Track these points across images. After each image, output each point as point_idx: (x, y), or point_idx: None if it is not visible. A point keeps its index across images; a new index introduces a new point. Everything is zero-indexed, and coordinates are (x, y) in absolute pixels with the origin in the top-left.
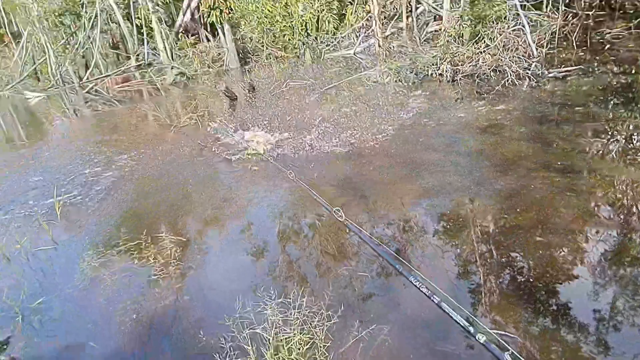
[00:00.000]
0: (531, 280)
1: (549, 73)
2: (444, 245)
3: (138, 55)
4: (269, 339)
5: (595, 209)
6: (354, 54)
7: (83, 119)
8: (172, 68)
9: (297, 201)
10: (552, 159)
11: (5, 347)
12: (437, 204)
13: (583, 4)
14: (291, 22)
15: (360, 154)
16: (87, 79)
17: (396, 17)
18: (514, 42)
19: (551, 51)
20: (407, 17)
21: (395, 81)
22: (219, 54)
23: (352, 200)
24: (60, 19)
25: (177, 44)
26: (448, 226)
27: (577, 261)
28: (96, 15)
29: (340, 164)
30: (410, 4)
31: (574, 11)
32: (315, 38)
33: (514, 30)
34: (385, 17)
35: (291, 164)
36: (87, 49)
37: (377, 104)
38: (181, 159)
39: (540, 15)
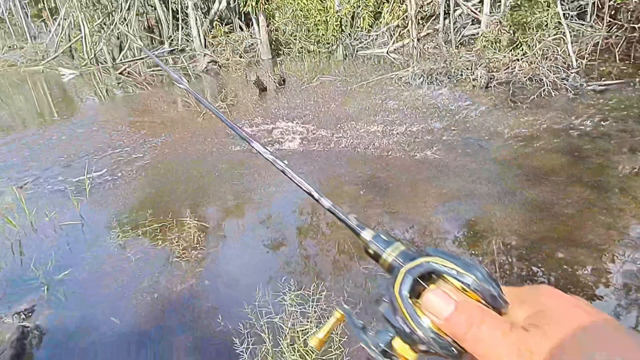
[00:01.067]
0: None
1: (588, 85)
2: (463, 252)
3: (172, 40)
4: (285, 329)
5: (625, 228)
6: (387, 52)
7: (114, 99)
8: (204, 55)
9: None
10: (585, 174)
11: (30, 314)
12: (462, 209)
13: (629, 16)
14: (326, 16)
15: (385, 155)
16: (121, 60)
17: (433, 18)
18: (554, 51)
19: (592, 63)
20: (444, 19)
21: (428, 83)
22: (252, 44)
23: (374, 199)
24: None
25: (211, 31)
26: (470, 233)
27: (601, 282)
28: None
29: (364, 164)
30: (448, 6)
31: (619, 23)
32: (349, 34)
33: (554, 39)
34: (421, 18)
35: (318, 158)
36: (121, 30)
37: (407, 106)
38: (209, 146)
39: (583, 25)
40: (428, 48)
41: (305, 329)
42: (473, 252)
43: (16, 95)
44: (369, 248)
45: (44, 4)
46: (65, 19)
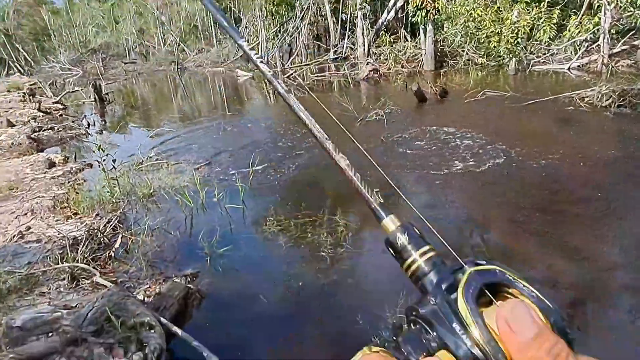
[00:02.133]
0: None
1: None
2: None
3: (337, 48)
4: None
5: None
6: (569, 69)
7: (279, 100)
8: (367, 64)
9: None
10: None
11: (194, 279)
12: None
13: None
14: (501, 27)
15: (541, 183)
16: (289, 65)
17: (632, 32)
18: None
19: None
20: None
21: (617, 106)
22: (415, 54)
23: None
24: (276, 8)
25: (375, 41)
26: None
27: None
28: (308, 8)
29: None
30: None
31: None
32: (525, 47)
33: None
34: (616, 32)
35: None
36: (293, 37)
37: (586, 131)
38: (364, 152)
39: None
40: (622, 66)
41: None
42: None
43: (200, 92)
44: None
45: (230, 14)
46: (246, 28)
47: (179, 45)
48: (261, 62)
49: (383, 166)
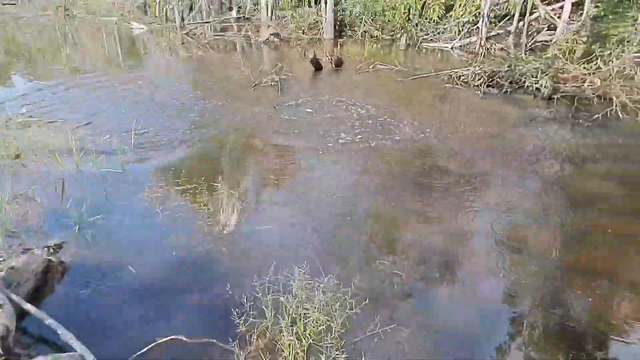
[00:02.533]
0: (571, 329)
1: None
2: (484, 263)
3: (240, 7)
4: (288, 310)
5: None
6: (452, 48)
7: (177, 58)
8: (268, 27)
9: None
10: (634, 207)
11: (58, 250)
12: (494, 221)
13: None
14: (395, 3)
15: (421, 152)
16: (189, 21)
17: (507, 18)
18: (631, 70)
19: None
20: (519, 21)
21: (487, 86)
22: (317, 22)
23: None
24: None
25: (279, 4)
26: (495, 245)
27: (628, 324)
28: None
29: (387, 158)
30: (525, 7)
31: None
32: (416, 24)
33: (634, 57)
34: (494, 16)
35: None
36: None
37: (459, 106)
38: (257, 117)
39: None
40: (495, 49)
41: (308, 314)
42: (499, 264)
43: (90, 43)
44: None
45: None
46: None
47: None
48: None
49: (270, 131)
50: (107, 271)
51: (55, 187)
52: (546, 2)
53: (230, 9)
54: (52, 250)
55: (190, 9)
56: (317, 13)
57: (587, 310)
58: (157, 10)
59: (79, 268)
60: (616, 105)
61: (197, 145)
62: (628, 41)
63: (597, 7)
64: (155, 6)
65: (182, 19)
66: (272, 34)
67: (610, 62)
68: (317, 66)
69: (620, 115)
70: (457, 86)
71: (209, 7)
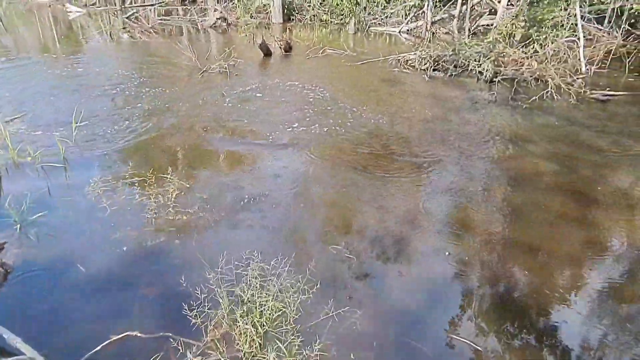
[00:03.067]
0: (513, 300)
1: (592, 94)
2: (431, 244)
3: None
4: (243, 299)
5: (599, 242)
6: (399, 32)
7: (118, 43)
8: (214, 10)
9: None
10: (569, 184)
11: None
12: (436, 200)
13: None
14: None
15: (371, 137)
16: (130, 3)
17: (451, 2)
18: (565, 53)
19: (601, 70)
20: (462, 5)
21: (433, 70)
22: (265, 5)
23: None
24: None
25: None
26: (441, 225)
27: (559, 296)
28: None
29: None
30: None
31: (637, 33)
32: (364, 8)
33: (567, 40)
34: (439, 1)
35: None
36: None
37: (406, 89)
38: (206, 104)
39: (600, 30)
40: (440, 33)
41: (263, 302)
42: (441, 243)
43: (22, 26)
44: None
45: None
46: None
47: None
48: None
49: (220, 118)
50: (53, 270)
51: None
52: None
53: None
54: None
55: None
56: None
57: (527, 282)
58: None
59: (23, 269)
60: (551, 88)
61: (144, 135)
62: (561, 25)
63: None
64: None
65: (123, 2)
66: (219, 18)
67: (546, 46)
68: (267, 52)
69: (555, 97)
70: (404, 70)
71: None
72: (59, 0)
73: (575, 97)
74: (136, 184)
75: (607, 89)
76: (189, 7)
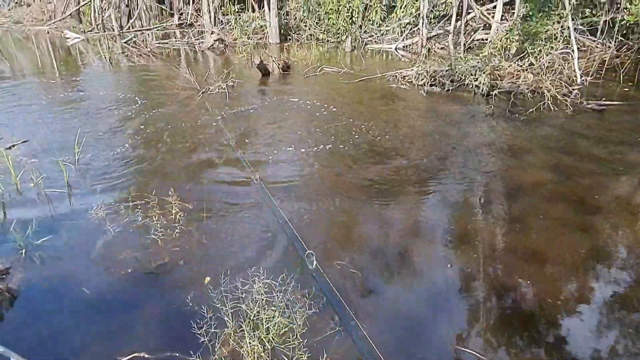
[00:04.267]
0: (517, 310)
1: (588, 104)
2: (434, 255)
3: (181, 13)
4: (250, 315)
5: (599, 251)
6: (396, 49)
7: (117, 68)
8: (211, 33)
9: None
10: (569, 193)
11: (4, 276)
12: (439, 213)
13: None
14: (338, 5)
15: (368, 153)
16: (128, 29)
17: (445, 18)
18: (560, 65)
19: (596, 81)
20: (457, 21)
21: (430, 85)
22: (262, 26)
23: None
24: None
25: (221, 9)
26: (444, 235)
27: (563, 304)
28: None
29: (341, 159)
30: (461, 8)
31: (630, 44)
32: (360, 27)
33: (562, 53)
34: (434, 17)
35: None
36: None
37: (405, 105)
38: (206, 126)
39: (594, 41)
40: (436, 49)
41: (270, 317)
42: (442, 251)
43: (20, 52)
44: None
45: None
46: None
47: None
48: None
49: (221, 139)
50: (59, 294)
51: None
52: (480, 2)
53: (172, 15)
54: None
55: (129, 16)
56: (262, 17)
57: (530, 290)
58: (93, 19)
59: (29, 293)
60: (548, 99)
61: (145, 158)
62: (555, 38)
63: (525, 7)
64: (90, 14)
65: (121, 27)
66: (216, 40)
67: (541, 59)
68: (265, 71)
69: (552, 108)
70: (402, 86)
71: (148, 13)
72: (58, 26)
73: (571, 108)
74: (139, 207)
75: (603, 99)
76: (186, 30)
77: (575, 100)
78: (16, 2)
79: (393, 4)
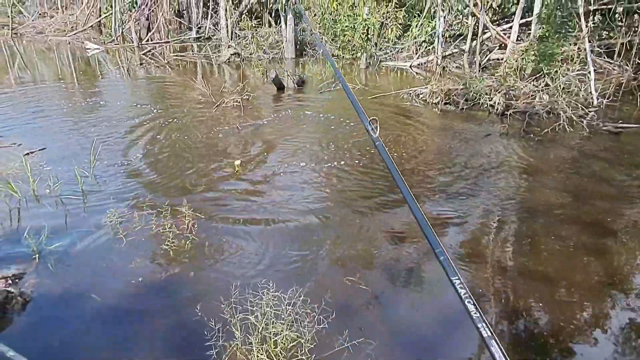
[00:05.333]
0: (530, 332)
1: (604, 126)
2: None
3: (199, 27)
4: (258, 329)
5: (614, 275)
6: (410, 67)
7: (135, 78)
8: (228, 47)
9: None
10: (583, 215)
11: (17, 281)
12: (449, 232)
13: None
14: (354, 23)
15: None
16: (147, 41)
17: (461, 38)
18: (576, 86)
19: (613, 104)
20: (472, 40)
21: (445, 103)
22: (278, 41)
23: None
24: None
25: (239, 23)
26: (454, 256)
27: (577, 329)
28: None
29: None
30: (477, 28)
31: None
32: (375, 44)
33: (578, 74)
34: (449, 36)
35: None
36: (152, 11)
37: (419, 123)
38: (220, 138)
39: (610, 63)
40: (451, 68)
41: (278, 331)
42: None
43: (41, 62)
44: None
45: None
46: None
47: (14, 5)
48: None
49: (235, 151)
50: (70, 300)
51: (10, 217)
52: (496, 22)
53: (190, 28)
54: (10, 282)
55: (148, 29)
56: (278, 33)
57: (543, 313)
58: (113, 30)
59: (41, 298)
60: (563, 120)
61: (159, 168)
62: (572, 59)
63: (542, 28)
64: (110, 26)
65: (140, 39)
66: (232, 54)
67: (557, 80)
68: (280, 86)
69: (567, 129)
70: (416, 104)
71: (167, 27)
72: (79, 37)
73: (587, 130)
74: (152, 216)
75: (620, 121)
76: (203, 44)
77: (592, 122)
78: (40, 14)
79: (409, 23)
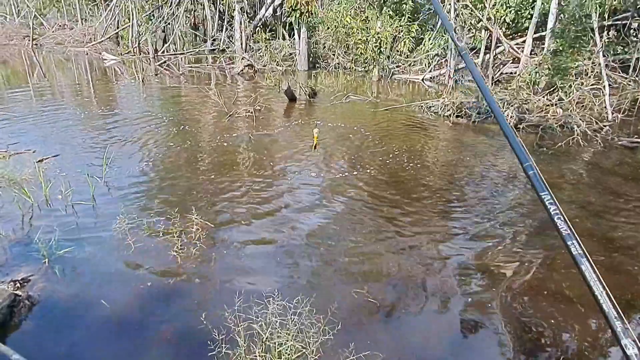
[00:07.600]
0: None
1: (619, 140)
2: (454, 289)
3: (214, 40)
4: (262, 338)
5: (630, 292)
6: (422, 80)
7: (150, 88)
8: (242, 58)
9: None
10: (596, 231)
11: (25, 284)
12: (463, 247)
13: None
14: (367, 36)
15: (385, 184)
16: (163, 52)
17: (474, 51)
18: (590, 101)
19: (628, 118)
20: (485, 54)
21: (457, 116)
22: (291, 54)
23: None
24: None
25: (253, 36)
26: (470, 269)
27: (591, 346)
28: None
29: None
30: (490, 42)
31: None
32: (388, 57)
33: (592, 89)
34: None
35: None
36: (168, 24)
37: (430, 135)
38: (232, 147)
39: (625, 78)
40: (463, 81)
41: (282, 341)
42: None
43: (60, 72)
44: None
45: None
46: (117, 7)
47: (35, 17)
48: None
49: (248, 161)
50: (78, 305)
51: (22, 221)
52: (510, 36)
53: (205, 40)
54: (18, 285)
55: (164, 40)
56: (291, 45)
57: (554, 330)
58: (130, 42)
59: (48, 302)
60: (577, 134)
61: (170, 176)
62: (586, 74)
63: (556, 42)
64: (128, 38)
65: (156, 51)
66: (246, 66)
67: (571, 94)
68: (292, 97)
69: (582, 143)
70: (428, 117)
71: (183, 38)
72: (96, 48)
73: (602, 144)
74: (161, 223)
75: (635, 136)
76: (217, 56)
77: (606, 136)
78: (60, 26)
79: (421, 36)
